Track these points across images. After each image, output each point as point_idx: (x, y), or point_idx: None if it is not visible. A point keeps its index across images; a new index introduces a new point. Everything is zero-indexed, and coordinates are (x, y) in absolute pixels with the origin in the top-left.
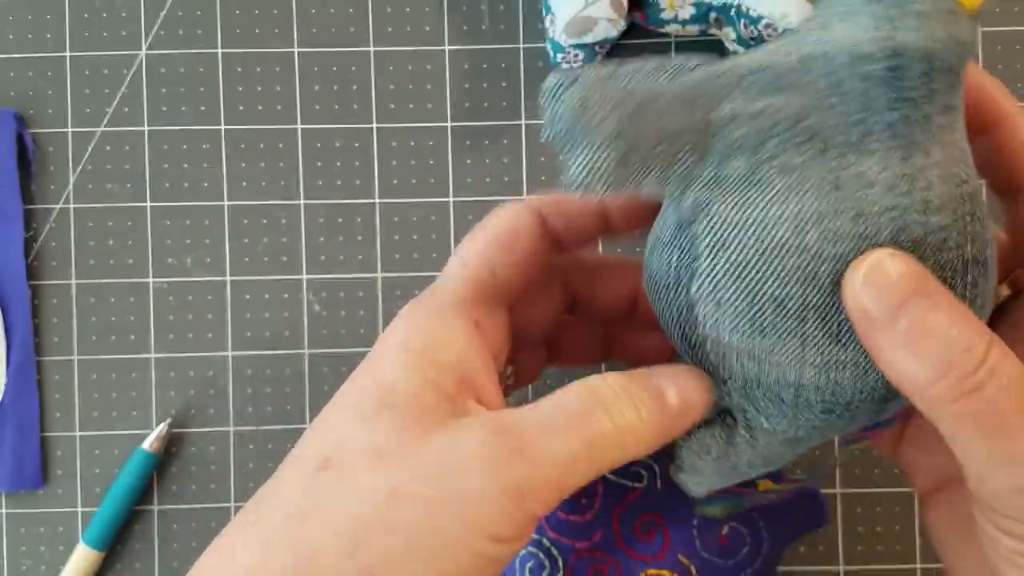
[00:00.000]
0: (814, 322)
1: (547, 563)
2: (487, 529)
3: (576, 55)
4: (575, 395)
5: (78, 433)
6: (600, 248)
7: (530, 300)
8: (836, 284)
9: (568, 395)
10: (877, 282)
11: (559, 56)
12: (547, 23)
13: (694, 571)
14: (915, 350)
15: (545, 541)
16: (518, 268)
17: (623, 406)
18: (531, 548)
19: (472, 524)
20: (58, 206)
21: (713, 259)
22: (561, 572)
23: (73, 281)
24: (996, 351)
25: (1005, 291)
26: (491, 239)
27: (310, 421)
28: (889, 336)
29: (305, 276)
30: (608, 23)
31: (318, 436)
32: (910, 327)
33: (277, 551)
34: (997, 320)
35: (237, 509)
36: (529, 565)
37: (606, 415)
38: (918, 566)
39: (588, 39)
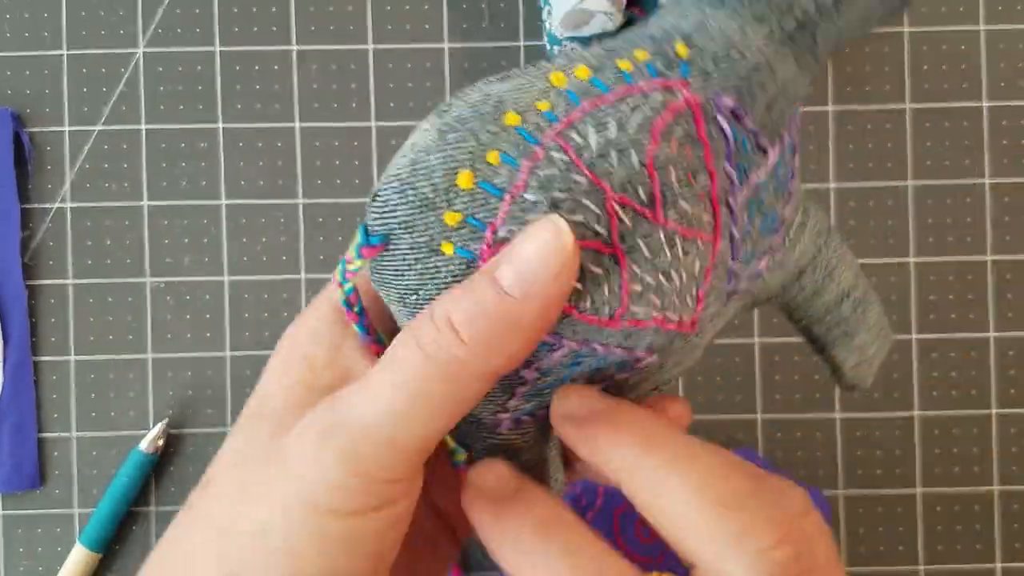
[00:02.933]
0: None
1: None
2: (323, 504)
3: (573, 49)
4: (395, 354)
5: (75, 434)
6: None
7: None
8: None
9: (390, 358)
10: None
11: (556, 49)
12: (544, 16)
13: None
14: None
15: None
16: None
17: (430, 329)
18: None
19: (307, 505)
20: (55, 205)
21: None
22: None
23: (70, 281)
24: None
25: None
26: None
27: None
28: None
29: (304, 276)
30: (605, 16)
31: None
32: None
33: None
34: None
35: None
36: None
37: (415, 351)
38: (921, 567)
39: (584, 32)
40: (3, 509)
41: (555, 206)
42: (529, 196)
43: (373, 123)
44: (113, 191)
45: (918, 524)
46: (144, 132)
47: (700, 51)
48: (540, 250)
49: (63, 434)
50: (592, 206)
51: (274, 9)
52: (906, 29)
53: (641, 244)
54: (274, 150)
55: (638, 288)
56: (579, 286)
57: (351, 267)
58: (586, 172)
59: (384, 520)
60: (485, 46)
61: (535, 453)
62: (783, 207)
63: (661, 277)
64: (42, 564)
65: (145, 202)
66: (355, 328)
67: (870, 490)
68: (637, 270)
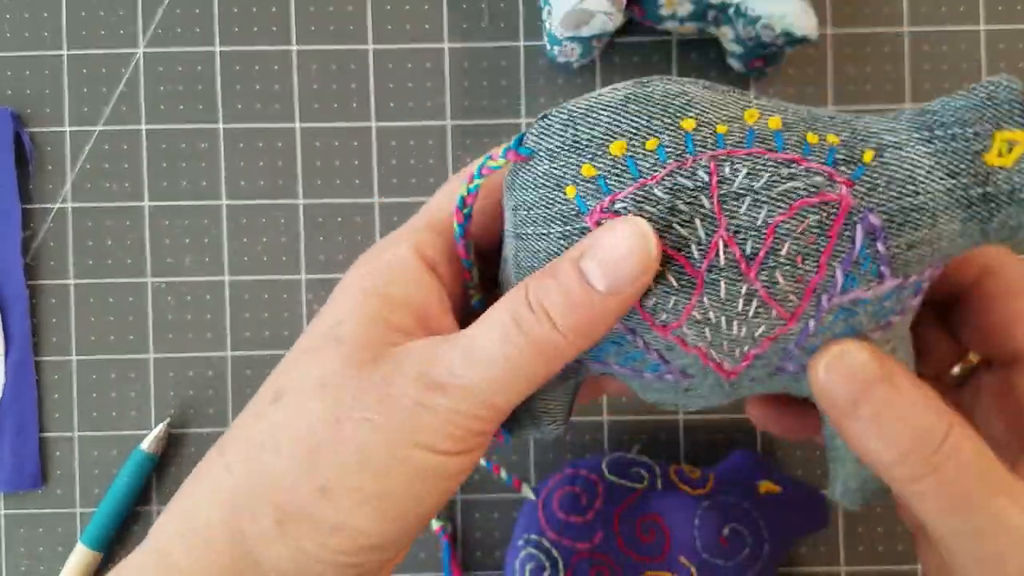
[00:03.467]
0: None
1: (548, 565)
2: (423, 442)
3: (573, 48)
4: (492, 315)
5: (76, 433)
6: None
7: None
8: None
9: (489, 313)
10: (840, 371)
11: (556, 49)
12: (544, 16)
13: (695, 572)
14: (879, 433)
15: (545, 542)
16: (494, 213)
17: (529, 315)
18: (532, 549)
19: (408, 439)
20: (56, 205)
21: None
22: (562, 573)
23: (71, 281)
24: (956, 431)
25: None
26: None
27: None
28: (854, 422)
29: (304, 276)
30: (605, 17)
31: (274, 375)
32: (873, 413)
33: (242, 476)
34: (964, 385)
35: None
36: (530, 567)
37: (519, 334)
38: (919, 566)
39: (584, 32)
40: (5, 509)
41: (672, 211)
42: (656, 191)
43: (373, 123)
44: (114, 191)
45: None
46: (144, 132)
47: (882, 166)
48: (630, 253)
49: (65, 434)
50: (701, 230)
51: (274, 9)
52: (906, 29)
53: (722, 285)
54: (274, 150)
55: (697, 317)
56: (652, 285)
57: (492, 164)
58: (715, 200)
59: (466, 460)
60: (485, 46)
61: (556, 396)
62: (873, 330)
63: (723, 320)
64: (44, 563)
65: (146, 202)
66: (455, 227)
67: None
68: (706, 302)
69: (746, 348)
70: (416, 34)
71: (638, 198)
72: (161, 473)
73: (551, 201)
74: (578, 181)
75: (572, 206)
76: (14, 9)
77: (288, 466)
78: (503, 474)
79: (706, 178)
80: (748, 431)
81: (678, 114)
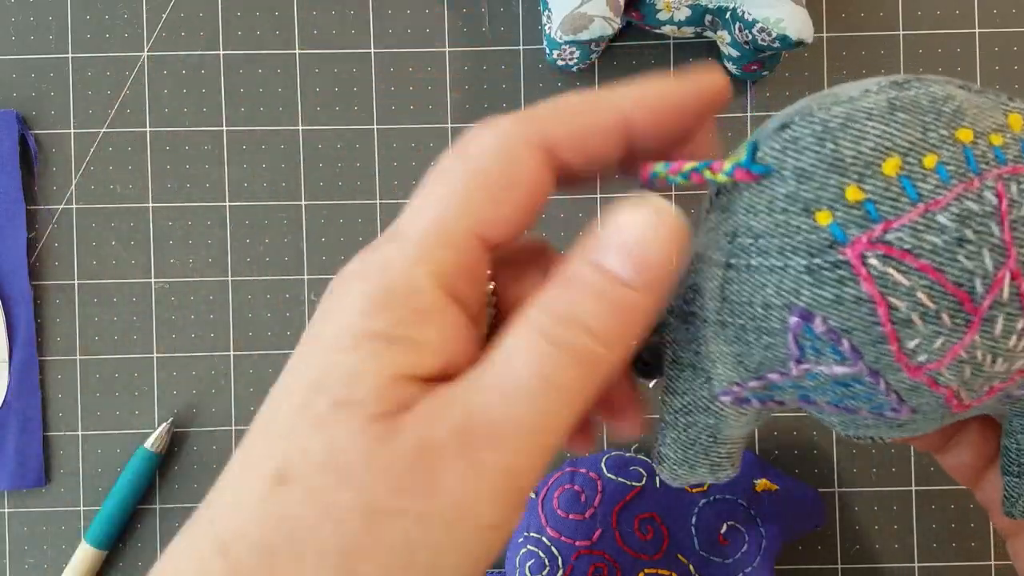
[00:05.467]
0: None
1: (547, 562)
2: (482, 521)
3: (572, 52)
4: (524, 353)
5: (80, 432)
6: None
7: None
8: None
9: (513, 344)
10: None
11: (555, 53)
12: (544, 20)
13: (693, 570)
14: None
15: (545, 539)
16: (509, 223)
17: (567, 332)
18: (531, 547)
19: (465, 522)
20: (61, 206)
21: None
22: (561, 571)
23: (76, 281)
24: None
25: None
26: (478, 186)
27: None
28: None
29: (307, 276)
30: (604, 21)
31: (266, 441)
32: None
33: None
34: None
35: None
36: (529, 564)
37: (565, 368)
38: (916, 565)
39: (584, 36)
40: (9, 507)
41: (959, 243)
42: (941, 218)
43: (375, 126)
44: (118, 193)
45: (913, 522)
46: (149, 135)
47: None
48: (662, 243)
49: (69, 433)
50: (988, 263)
51: (277, 13)
52: (901, 32)
53: (999, 321)
54: (277, 152)
55: (964, 356)
56: (919, 324)
57: (708, 174)
58: (1006, 227)
59: (515, 522)
60: (485, 50)
61: (740, 444)
62: None
63: (988, 358)
64: (48, 562)
65: (150, 204)
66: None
67: (865, 488)
68: (977, 340)
69: (995, 382)
70: (417, 38)
71: (919, 226)
72: (165, 471)
73: (794, 229)
74: (837, 206)
75: (825, 235)
76: (19, 12)
77: None
78: None
79: (995, 201)
80: None
81: (952, 123)
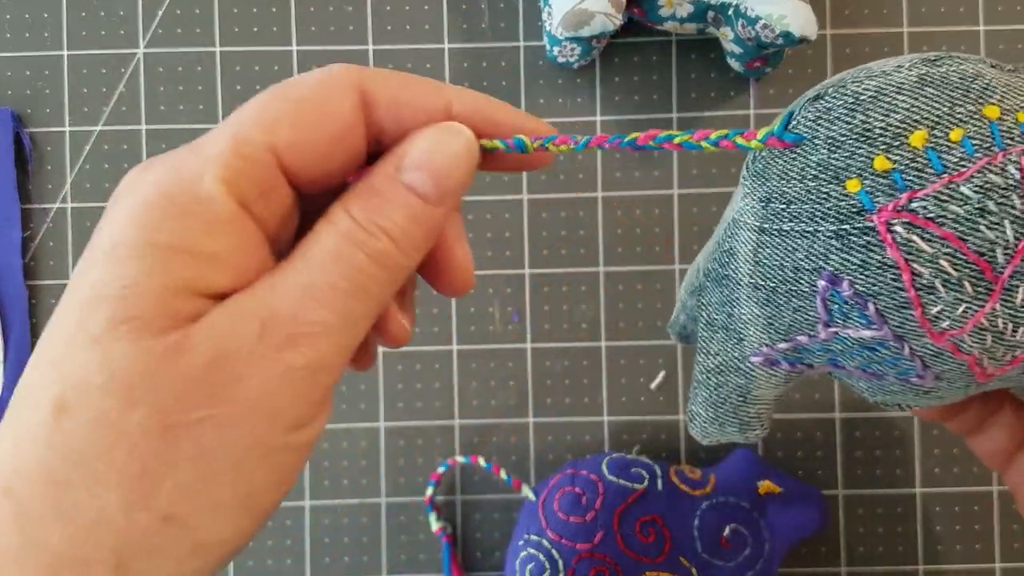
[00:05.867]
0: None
1: (548, 565)
2: (286, 419)
3: (572, 49)
4: (325, 247)
5: None
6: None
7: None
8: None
9: (318, 247)
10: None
11: (555, 49)
12: (544, 16)
13: (695, 573)
14: None
15: (546, 542)
16: (311, 152)
17: (371, 238)
18: (532, 550)
19: (267, 422)
20: (56, 205)
21: None
22: (562, 574)
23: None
24: None
25: None
26: (287, 110)
27: None
28: None
29: None
30: (605, 17)
31: (43, 369)
32: None
33: (53, 529)
34: None
35: None
36: (530, 567)
37: (368, 270)
38: (920, 567)
39: (585, 33)
40: None
41: (982, 213)
42: (964, 190)
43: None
44: (113, 191)
45: (917, 524)
46: (144, 132)
47: None
48: (457, 155)
49: None
50: (1010, 232)
51: (274, 9)
52: (905, 29)
53: (1020, 291)
54: None
55: (985, 324)
56: (942, 291)
57: (740, 140)
58: None
59: (323, 420)
60: (485, 46)
61: (771, 404)
62: None
63: (1010, 327)
64: None
65: None
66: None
67: (869, 490)
68: (998, 308)
69: (1018, 352)
70: (416, 34)
71: (942, 196)
72: None
73: (824, 196)
74: (865, 174)
75: (854, 202)
76: (14, 9)
77: (115, 502)
78: (503, 474)
79: (1017, 175)
80: None
81: (980, 99)
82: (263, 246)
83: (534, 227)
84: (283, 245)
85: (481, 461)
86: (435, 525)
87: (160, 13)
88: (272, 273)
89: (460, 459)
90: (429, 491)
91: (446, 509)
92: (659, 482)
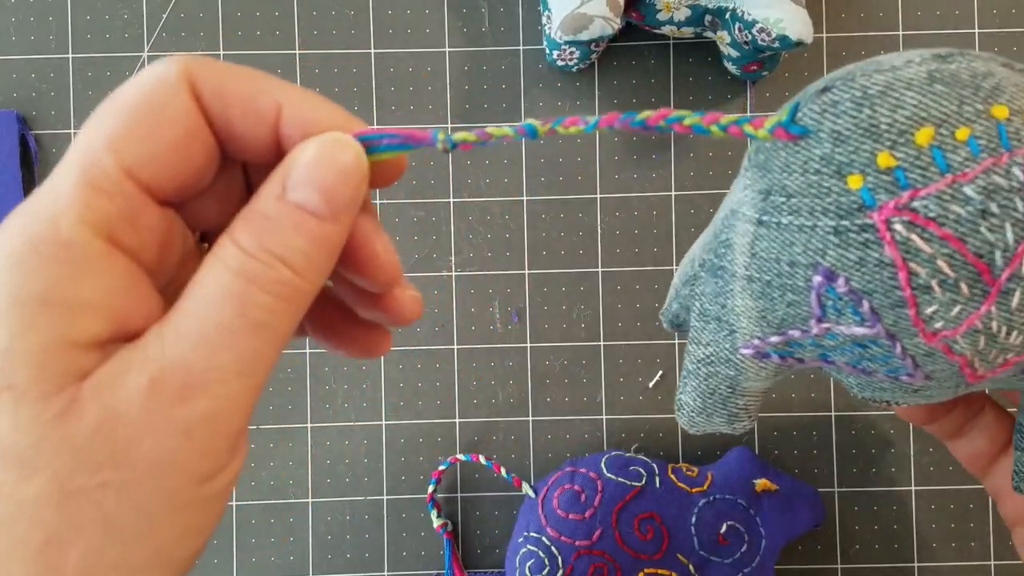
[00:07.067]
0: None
1: (547, 561)
2: (192, 475)
3: (572, 52)
4: (213, 286)
5: None
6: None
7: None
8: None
9: (205, 287)
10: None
11: (555, 53)
12: (544, 20)
13: (692, 569)
14: None
15: (545, 539)
16: (163, 164)
17: (266, 269)
18: (531, 546)
19: (173, 479)
20: None
21: None
22: (561, 570)
23: None
24: None
25: None
26: (125, 124)
27: (312, 420)
28: None
29: None
30: (604, 21)
31: None
32: None
33: None
34: None
35: (238, 508)
36: (529, 564)
37: (264, 304)
38: (915, 564)
39: (584, 37)
40: None
41: (983, 215)
42: (968, 190)
43: (375, 125)
44: None
45: (913, 522)
46: None
47: None
48: (346, 173)
49: None
50: (1010, 236)
51: (277, 13)
52: (901, 32)
53: (1016, 294)
54: None
55: (979, 326)
56: (938, 291)
57: (748, 128)
58: None
59: (238, 465)
60: (485, 50)
61: (759, 397)
62: None
63: (1004, 330)
64: None
65: None
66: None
67: (865, 488)
68: (993, 311)
69: (1010, 355)
70: (417, 38)
71: (945, 196)
72: None
73: (825, 190)
74: (868, 171)
75: (855, 198)
76: (20, 12)
77: (22, 574)
78: (503, 472)
79: (1021, 178)
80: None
81: (989, 99)
82: (141, 280)
83: (534, 228)
84: (171, 269)
85: (481, 459)
86: (436, 522)
87: (164, 16)
88: (160, 321)
89: (462, 456)
90: (430, 488)
91: (447, 506)
92: (657, 480)
